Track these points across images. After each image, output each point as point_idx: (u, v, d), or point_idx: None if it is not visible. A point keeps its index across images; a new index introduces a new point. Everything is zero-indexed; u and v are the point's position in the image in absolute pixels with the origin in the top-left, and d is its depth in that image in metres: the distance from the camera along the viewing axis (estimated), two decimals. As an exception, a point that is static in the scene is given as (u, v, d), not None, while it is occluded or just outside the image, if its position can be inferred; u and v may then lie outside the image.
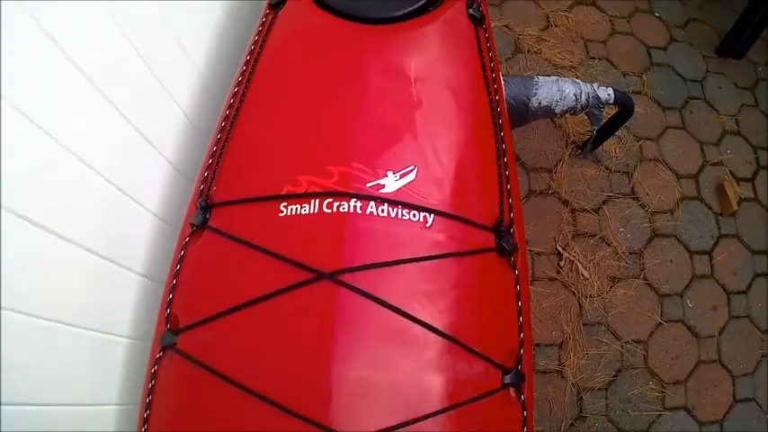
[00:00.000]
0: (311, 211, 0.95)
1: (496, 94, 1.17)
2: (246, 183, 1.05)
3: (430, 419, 0.85)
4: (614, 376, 1.80)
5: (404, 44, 1.19)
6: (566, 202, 1.95)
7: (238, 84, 1.18)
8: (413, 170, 1.00)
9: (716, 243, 1.98)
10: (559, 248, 1.89)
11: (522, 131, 2.03)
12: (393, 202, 0.95)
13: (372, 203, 0.94)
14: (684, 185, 2.04)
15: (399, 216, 0.95)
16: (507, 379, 0.92)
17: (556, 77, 1.64)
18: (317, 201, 0.95)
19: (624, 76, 2.17)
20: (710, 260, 1.96)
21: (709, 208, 2.03)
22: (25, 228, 0.83)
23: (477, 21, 1.24)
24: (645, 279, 1.89)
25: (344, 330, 0.87)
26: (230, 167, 1.09)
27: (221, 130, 1.13)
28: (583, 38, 2.26)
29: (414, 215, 0.96)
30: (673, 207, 1.99)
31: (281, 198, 0.97)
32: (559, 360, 1.80)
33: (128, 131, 1.08)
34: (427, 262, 0.94)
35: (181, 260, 1.02)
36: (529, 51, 2.18)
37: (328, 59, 1.16)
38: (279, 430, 0.83)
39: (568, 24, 2.27)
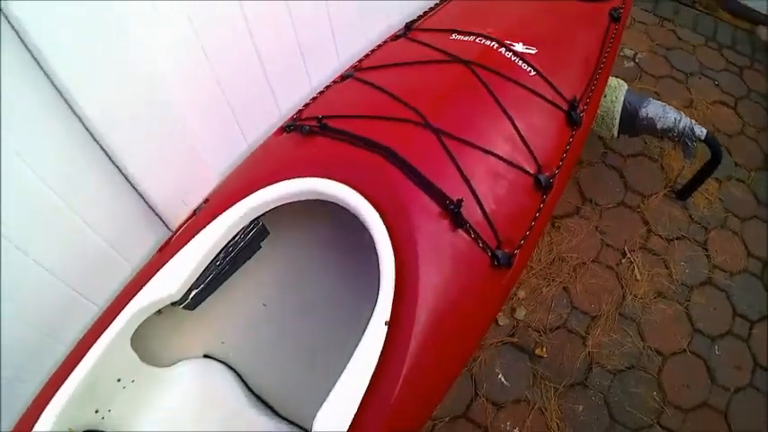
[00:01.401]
0: (467, 39, 1.58)
1: (603, 60, 1.71)
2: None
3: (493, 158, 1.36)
4: (627, 368, 1.98)
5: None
6: (646, 223, 2.24)
7: None
8: (534, 49, 1.61)
9: (761, 318, 2.15)
10: (626, 249, 2.16)
11: (636, 162, 2.38)
12: (515, 53, 1.58)
13: (503, 48, 1.58)
14: (752, 263, 2.25)
15: (515, 61, 1.56)
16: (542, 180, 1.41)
17: (665, 104, 2.04)
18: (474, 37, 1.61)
19: (736, 164, 2.49)
20: (750, 328, 2.12)
21: (766, 290, 2.21)
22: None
23: (614, 19, 1.75)
24: (686, 309, 2.09)
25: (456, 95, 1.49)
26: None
27: None
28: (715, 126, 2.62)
29: (524, 65, 1.55)
30: (734, 272, 2.21)
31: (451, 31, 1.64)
32: (587, 329, 2.02)
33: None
34: (521, 89, 1.52)
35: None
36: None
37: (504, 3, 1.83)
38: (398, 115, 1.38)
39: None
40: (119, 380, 1.43)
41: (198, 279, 1.43)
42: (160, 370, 1.56)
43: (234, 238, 1.46)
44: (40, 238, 1.33)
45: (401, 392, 1.11)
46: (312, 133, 1.45)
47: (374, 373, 1.10)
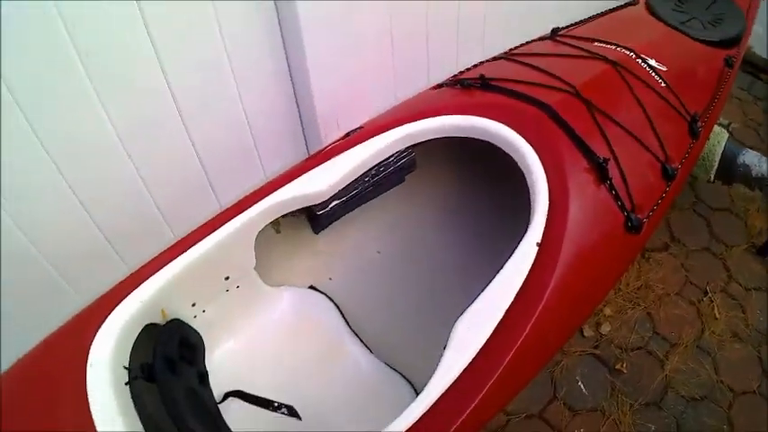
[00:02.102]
0: (609, 47, 1.85)
1: (717, 95, 1.92)
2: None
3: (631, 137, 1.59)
4: (700, 397, 2.06)
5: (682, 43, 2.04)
6: (727, 269, 2.37)
7: None
8: (665, 67, 1.85)
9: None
10: (708, 289, 2.30)
11: (722, 215, 2.55)
12: (649, 65, 1.81)
13: (640, 59, 1.82)
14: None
15: (649, 71, 1.79)
16: (668, 169, 1.58)
17: (761, 154, 2.23)
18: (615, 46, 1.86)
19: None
20: (819, 385, 2.21)
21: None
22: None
23: (728, 65, 1.99)
24: (758, 353, 2.19)
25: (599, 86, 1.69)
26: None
27: None
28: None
29: (656, 76, 1.78)
30: (807, 330, 2.32)
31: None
32: (666, 354, 2.13)
33: None
34: (654, 93, 1.72)
35: None
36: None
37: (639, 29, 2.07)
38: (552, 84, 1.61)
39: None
40: (227, 278, 1.51)
41: (343, 190, 1.54)
42: (266, 286, 1.67)
43: (387, 159, 1.59)
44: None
45: (542, 313, 1.21)
46: (472, 87, 1.65)
47: (520, 289, 1.21)
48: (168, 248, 1.41)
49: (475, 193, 2.04)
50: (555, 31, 2.01)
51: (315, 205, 1.56)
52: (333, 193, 1.55)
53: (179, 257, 1.38)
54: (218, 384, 1.52)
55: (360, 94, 1.76)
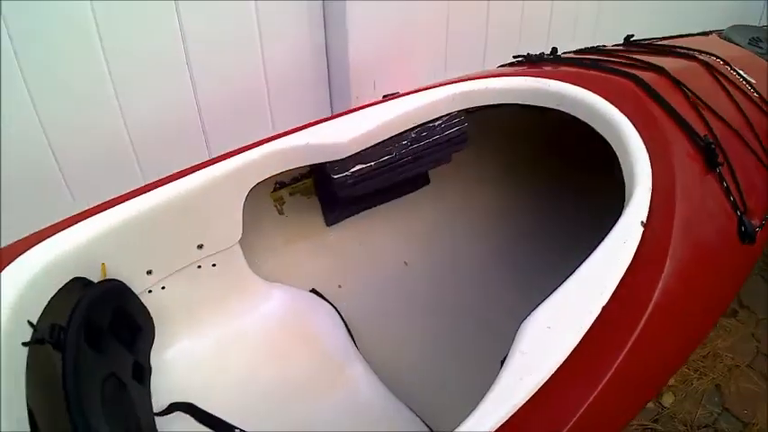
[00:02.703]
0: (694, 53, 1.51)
1: None
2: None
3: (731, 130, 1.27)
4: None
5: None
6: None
7: None
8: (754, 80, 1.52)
9: None
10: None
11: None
12: (739, 73, 1.49)
13: (729, 66, 1.50)
14: None
15: (739, 78, 1.47)
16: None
17: None
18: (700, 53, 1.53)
19: None
20: None
21: None
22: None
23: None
24: None
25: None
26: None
27: None
28: None
29: (748, 86, 1.46)
30: None
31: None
32: (740, 433, 1.69)
33: None
34: (745, 96, 1.41)
35: None
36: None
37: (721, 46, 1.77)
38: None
39: None
40: (200, 246, 1.15)
41: (372, 152, 1.20)
42: (253, 275, 1.28)
43: (432, 122, 1.25)
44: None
45: (654, 313, 0.86)
46: (544, 61, 1.37)
47: (623, 278, 0.86)
48: (129, 192, 1.07)
49: (521, 202, 1.68)
50: (628, 38, 1.73)
51: (331, 166, 1.20)
52: (357, 150, 1.20)
53: (135, 199, 1.03)
54: (165, 390, 1.12)
55: (405, 56, 1.45)
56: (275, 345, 1.27)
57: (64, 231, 0.97)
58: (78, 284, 0.96)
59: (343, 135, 1.17)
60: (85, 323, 0.87)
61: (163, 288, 1.15)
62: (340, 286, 1.46)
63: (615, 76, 1.26)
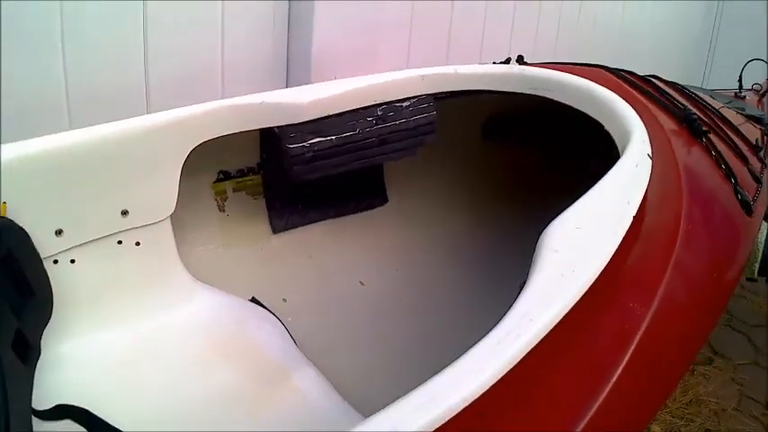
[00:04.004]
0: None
1: None
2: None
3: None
4: None
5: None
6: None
7: None
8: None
9: None
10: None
11: (762, 332, 2.09)
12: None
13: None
14: None
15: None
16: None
17: None
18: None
19: None
20: None
21: None
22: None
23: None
24: None
25: None
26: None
27: None
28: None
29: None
30: None
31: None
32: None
33: None
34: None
35: None
36: None
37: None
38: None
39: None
40: (124, 213, 0.95)
41: (333, 124, 1.08)
42: (182, 268, 1.08)
43: (400, 101, 1.16)
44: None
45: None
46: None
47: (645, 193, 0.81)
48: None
49: (483, 225, 1.56)
50: None
51: (286, 134, 1.07)
52: (316, 116, 1.07)
53: (47, 137, 0.86)
54: (53, 387, 0.87)
55: (368, 54, 1.40)
56: (204, 351, 1.02)
57: None
58: None
59: (303, 97, 1.05)
60: None
61: (72, 261, 0.93)
62: (285, 300, 1.25)
63: (588, 67, 1.28)
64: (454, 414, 0.50)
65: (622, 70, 1.35)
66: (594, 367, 0.66)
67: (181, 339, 1.02)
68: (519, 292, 0.65)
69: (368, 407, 0.94)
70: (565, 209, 0.77)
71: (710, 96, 1.55)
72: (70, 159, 0.86)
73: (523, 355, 0.57)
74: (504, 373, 0.55)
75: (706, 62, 3.17)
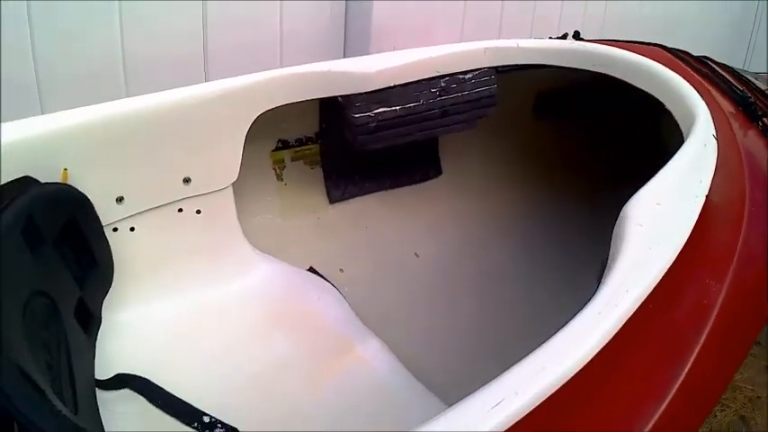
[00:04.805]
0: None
1: None
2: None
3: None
4: None
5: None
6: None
7: None
8: None
9: None
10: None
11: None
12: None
13: None
14: None
15: None
16: None
17: None
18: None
19: None
20: None
21: None
22: None
23: None
24: None
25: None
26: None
27: None
28: None
29: None
30: None
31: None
32: None
33: None
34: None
35: None
36: None
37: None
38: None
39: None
40: (187, 181, 0.93)
41: (398, 94, 1.07)
42: (243, 238, 1.06)
43: (463, 74, 1.15)
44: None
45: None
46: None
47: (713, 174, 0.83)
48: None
49: (537, 200, 1.55)
50: None
51: (351, 103, 1.04)
52: (382, 86, 1.05)
53: (110, 103, 0.83)
54: (114, 356, 0.85)
55: (425, 25, 1.38)
56: (264, 320, 1.01)
57: (16, 121, 0.76)
58: (28, 183, 0.73)
59: (370, 66, 1.03)
60: (25, 220, 0.64)
61: (132, 230, 0.91)
62: (342, 270, 1.24)
63: (646, 46, 1.26)
64: (560, 386, 0.51)
65: (678, 50, 1.32)
66: (678, 342, 0.67)
67: (240, 308, 1.01)
68: (602, 269, 0.66)
69: (426, 379, 0.95)
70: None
71: (755, 78, 1.51)
72: (133, 126, 0.84)
73: (623, 324, 0.58)
74: (606, 343, 0.56)
75: (749, 44, 3.07)
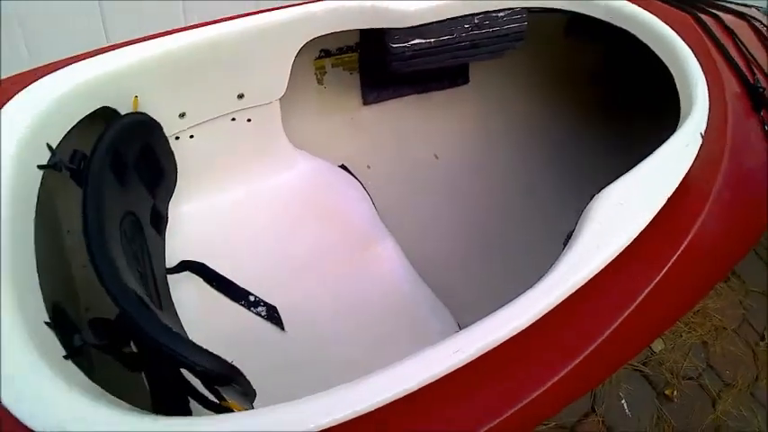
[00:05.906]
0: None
1: None
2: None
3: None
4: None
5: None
6: None
7: None
8: None
9: None
10: (765, 334, 1.90)
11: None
12: None
13: None
14: None
15: None
16: None
17: None
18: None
19: None
20: None
21: None
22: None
23: None
24: None
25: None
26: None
27: None
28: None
29: None
30: None
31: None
32: (719, 393, 1.70)
33: None
34: None
35: None
36: None
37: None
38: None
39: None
40: (240, 96, 1.03)
41: (433, 29, 1.13)
42: (286, 140, 1.19)
43: (495, 12, 1.19)
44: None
45: (707, 219, 0.89)
46: None
47: (682, 181, 0.87)
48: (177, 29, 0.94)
49: (560, 113, 1.63)
50: None
51: (391, 35, 1.11)
52: (420, 22, 1.10)
53: (178, 34, 0.90)
54: (177, 246, 1.01)
55: None
56: (299, 212, 1.17)
57: (94, 58, 0.84)
58: (107, 114, 0.84)
59: (410, 5, 1.08)
60: (112, 153, 0.75)
61: (191, 137, 1.03)
62: (369, 167, 1.38)
63: (676, 9, 1.24)
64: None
65: (712, 12, 1.30)
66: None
67: (282, 200, 1.16)
68: (565, 243, 0.79)
69: (434, 280, 1.13)
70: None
71: None
72: (196, 55, 0.92)
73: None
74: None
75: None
